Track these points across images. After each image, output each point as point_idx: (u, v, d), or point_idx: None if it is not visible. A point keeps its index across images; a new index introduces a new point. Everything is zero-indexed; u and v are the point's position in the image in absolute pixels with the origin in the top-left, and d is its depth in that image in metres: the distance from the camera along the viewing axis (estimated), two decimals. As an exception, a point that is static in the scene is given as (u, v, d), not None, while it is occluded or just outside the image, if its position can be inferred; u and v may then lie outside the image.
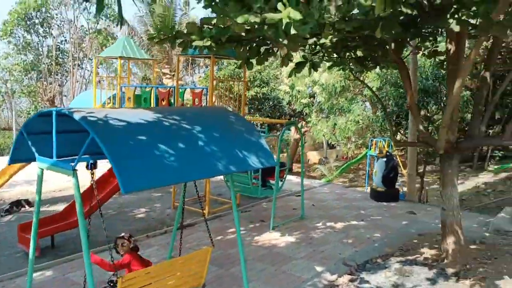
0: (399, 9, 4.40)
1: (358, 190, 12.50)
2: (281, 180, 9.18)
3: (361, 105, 16.25)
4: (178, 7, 21.76)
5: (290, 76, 6.87)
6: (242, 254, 4.84)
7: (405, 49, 7.65)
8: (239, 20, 3.69)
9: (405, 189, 11.46)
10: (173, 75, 19.86)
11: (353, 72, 8.11)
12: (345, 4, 4.42)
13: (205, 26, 5.06)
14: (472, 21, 4.77)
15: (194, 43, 5.10)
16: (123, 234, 4.53)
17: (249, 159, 4.31)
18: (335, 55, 6.78)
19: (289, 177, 12.54)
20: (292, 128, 22.47)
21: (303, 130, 21.11)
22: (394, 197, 10.43)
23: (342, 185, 13.83)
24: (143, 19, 21.13)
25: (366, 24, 4.78)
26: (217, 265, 6.17)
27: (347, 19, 4.74)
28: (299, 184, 12.56)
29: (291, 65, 6.00)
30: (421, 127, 5.96)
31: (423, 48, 7.29)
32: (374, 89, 13.71)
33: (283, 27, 3.56)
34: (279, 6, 3.68)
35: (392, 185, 10.56)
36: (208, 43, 5.08)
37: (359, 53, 7.05)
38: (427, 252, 6.63)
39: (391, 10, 4.12)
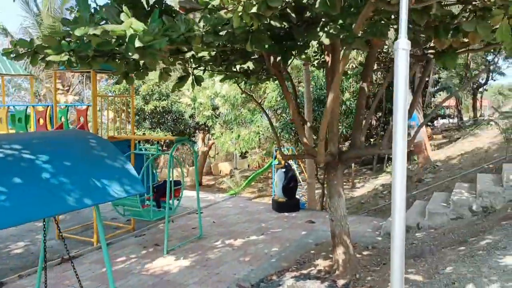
0: (265, 22, 4.26)
1: (261, 202, 12.44)
2: (177, 199, 8.76)
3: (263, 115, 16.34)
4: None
5: (173, 91, 6.51)
6: (113, 294, 4.33)
7: (293, 61, 7.69)
8: (77, 32, 3.26)
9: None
10: (67, 90, 18.46)
11: (247, 84, 7.97)
12: (212, 17, 4.17)
13: (65, 39, 4.54)
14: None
15: (49, 58, 4.53)
16: None
17: (110, 188, 3.83)
18: (220, 68, 6.58)
19: (193, 193, 12.12)
20: (200, 141, 22.14)
21: (210, 142, 20.85)
22: (295, 207, 10.49)
23: (246, 198, 13.70)
24: (29, 30, 19.38)
25: (235, 38, 4.59)
26: (97, 303, 5.56)
27: (217, 32, 4.51)
28: (203, 200, 12.23)
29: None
30: (304, 139, 5.92)
31: (312, 59, 7.36)
32: (274, 99, 13.85)
33: (126, 39, 3.19)
34: (122, 16, 3.31)
35: (293, 195, 10.62)
36: (66, 57, 4.54)
37: (250, 65, 6.92)
38: (321, 264, 6.60)
39: (258, 23, 3.97)
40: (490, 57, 25.25)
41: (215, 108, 15.99)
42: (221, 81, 7.44)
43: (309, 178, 11.36)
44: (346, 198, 15.21)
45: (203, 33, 4.28)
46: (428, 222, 7.76)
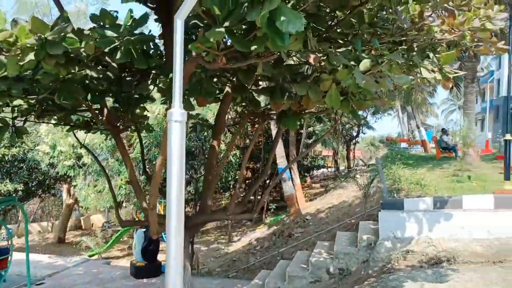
0: (74, 71, 3.56)
1: (120, 266, 11.14)
2: (4, 271, 7.28)
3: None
4: None
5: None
6: None
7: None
8: None
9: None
10: None
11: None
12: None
13: None
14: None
15: None
16: None
17: None
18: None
19: (41, 258, 10.43)
20: (65, 192, 19.89)
21: (76, 193, 18.78)
22: (156, 271, 9.45)
23: (104, 261, 12.22)
24: None
25: (42, 87, 3.81)
26: None
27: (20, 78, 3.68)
28: (49, 266, 10.56)
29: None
30: (144, 204, 5.15)
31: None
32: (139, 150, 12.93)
33: None
34: None
35: (154, 258, 9.60)
36: None
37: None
38: None
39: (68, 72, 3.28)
40: (360, 112, 27.40)
41: (79, 157, 14.44)
42: (67, 131, 6.48)
43: (173, 238, 10.46)
44: (221, 255, 14.52)
45: (-2, 79, 3.43)
46: (289, 286, 7.36)
